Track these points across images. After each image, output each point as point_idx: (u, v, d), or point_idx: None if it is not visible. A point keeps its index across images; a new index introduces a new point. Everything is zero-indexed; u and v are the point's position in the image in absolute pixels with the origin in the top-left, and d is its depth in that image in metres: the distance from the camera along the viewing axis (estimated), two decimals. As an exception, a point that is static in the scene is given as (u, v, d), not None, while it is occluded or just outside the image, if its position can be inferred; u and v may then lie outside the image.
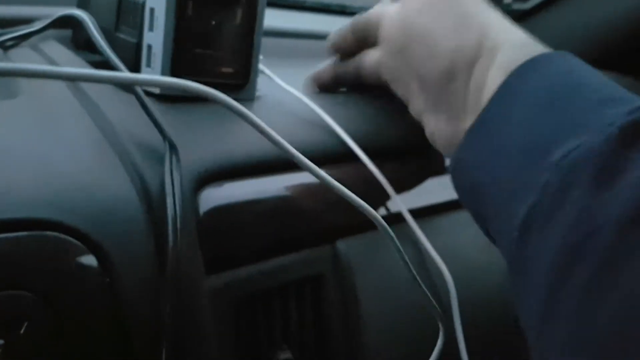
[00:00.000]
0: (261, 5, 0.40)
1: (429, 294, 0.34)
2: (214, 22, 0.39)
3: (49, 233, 0.27)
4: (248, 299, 0.34)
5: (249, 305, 0.35)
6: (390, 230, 0.31)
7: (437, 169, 0.46)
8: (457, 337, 0.39)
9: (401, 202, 0.39)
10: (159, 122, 0.33)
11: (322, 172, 0.31)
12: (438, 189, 0.44)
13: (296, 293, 0.36)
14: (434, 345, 0.36)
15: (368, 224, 0.39)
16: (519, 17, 0.86)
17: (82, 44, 0.46)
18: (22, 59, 0.41)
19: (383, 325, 0.37)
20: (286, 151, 0.30)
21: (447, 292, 0.39)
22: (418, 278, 0.33)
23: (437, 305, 0.34)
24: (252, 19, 0.40)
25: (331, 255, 0.37)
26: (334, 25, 0.48)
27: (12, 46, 0.43)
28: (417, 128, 0.40)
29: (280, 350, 0.35)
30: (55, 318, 0.26)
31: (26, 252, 0.26)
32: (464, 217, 0.39)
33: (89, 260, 0.28)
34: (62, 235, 0.27)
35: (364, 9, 0.46)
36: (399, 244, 0.32)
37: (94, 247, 0.28)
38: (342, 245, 0.37)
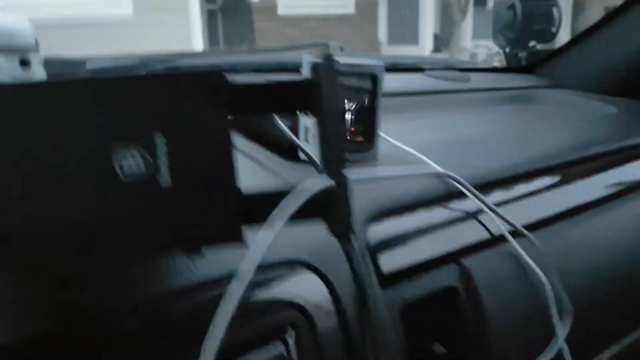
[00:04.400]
0: (379, 91, 0.55)
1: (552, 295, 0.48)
2: (350, 108, 0.53)
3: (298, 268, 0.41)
4: (407, 307, 0.48)
5: (409, 311, 0.48)
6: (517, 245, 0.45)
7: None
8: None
9: (502, 225, 0.52)
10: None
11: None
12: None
13: (439, 302, 0.49)
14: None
15: (483, 245, 0.52)
16: (545, 58, 1.00)
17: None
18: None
19: (505, 323, 0.50)
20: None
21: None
22: (546, 279, 0.47)
23: (557, 312, 0.48)
24: (375, 102, 0.54)
25: (459, 270, 0.50)
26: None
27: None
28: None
29: (434, 346, 0.48)
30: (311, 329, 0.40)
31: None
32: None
33: (319, 284, 0.41)
34: (306, 270, 0.41)
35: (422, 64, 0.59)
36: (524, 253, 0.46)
37: (321, 276, 0.41)
38: (467, 262, 0.50)
